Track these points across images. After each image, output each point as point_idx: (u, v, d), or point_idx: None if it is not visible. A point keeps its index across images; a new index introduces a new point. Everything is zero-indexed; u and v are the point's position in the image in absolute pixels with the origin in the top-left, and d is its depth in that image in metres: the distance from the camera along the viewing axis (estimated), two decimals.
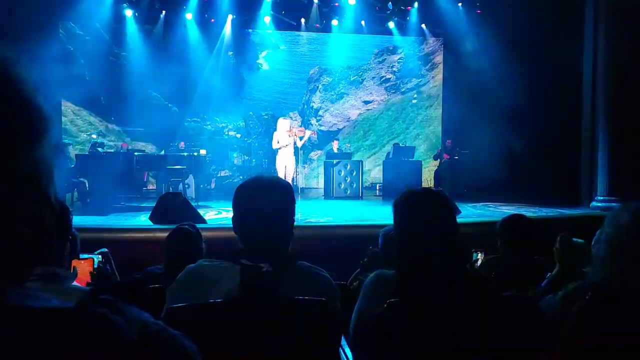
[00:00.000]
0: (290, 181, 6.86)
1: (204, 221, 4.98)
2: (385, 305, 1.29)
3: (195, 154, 8.72)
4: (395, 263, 1.46)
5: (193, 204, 6.00)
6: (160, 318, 0.56)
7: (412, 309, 1.33)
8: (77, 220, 5.84)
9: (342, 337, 1.59)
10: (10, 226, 0.45)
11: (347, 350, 1.71)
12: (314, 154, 11.38)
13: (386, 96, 11.82)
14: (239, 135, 11.08)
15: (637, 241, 1.38)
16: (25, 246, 0.47)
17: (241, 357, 1.21)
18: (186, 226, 2.48)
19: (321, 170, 9.63)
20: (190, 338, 0.60)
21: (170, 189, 7.36)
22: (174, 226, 2.54)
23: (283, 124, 7.43)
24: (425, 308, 1.34)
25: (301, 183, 10.29)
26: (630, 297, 1.35)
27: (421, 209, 1.45)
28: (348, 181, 8.96)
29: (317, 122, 11.49)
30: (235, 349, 1.21)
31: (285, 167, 7.26)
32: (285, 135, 7.27)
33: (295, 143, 7.48)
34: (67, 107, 10.09)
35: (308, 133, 8.00)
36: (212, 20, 10.38)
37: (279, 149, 7.35)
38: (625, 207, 1.48)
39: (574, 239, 2.12)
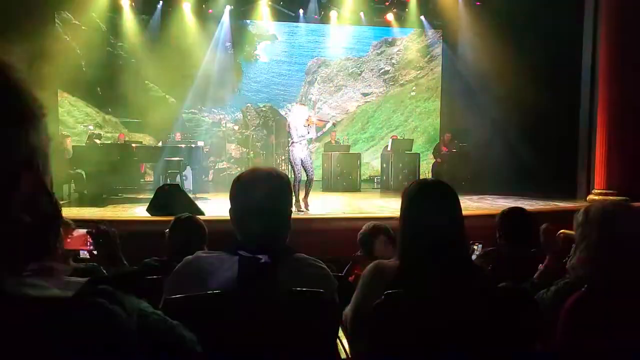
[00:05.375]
0: (313, 176, 6.16)
1: (202, 213, 4.98)
2: (383, 296, 1.29)
3: (193, 145, 8.70)
4: (399, 251, 1.46)
5: (190, 195, 6.00)
6: (157, 309, 0.56)
7: (410, 300, 1.33)
8: (74, 211, 5.85)
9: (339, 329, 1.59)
10: (8, 212, 0.45)
11: (344, 342, 1.72)
12: (312, 147, 11.34)
13: (385, 88, 11.78)
14: (236, 127, 11.05)
15: (623, 239, 1.40)
16: (23, 234, 0.46)
17: (239, 349, 1.22)
18: (188, 215, 2.48)
19: (319, 162, 9.62)
20: (188, 329, 0.60)
21: (168, 180, 7.34)
22: (171, 218, 2.52)
23: (301, 111, 6.09)
24: (424, 299, 1.34)
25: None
26: (620, 292, 1.36)
27: (432, 199, 1.46)
28: (346, 173, 8.94)
29: (315, 114, 11.46)
30: (233, 340, 1.21)
31: (302, 160, 6.08)
32: (302, 126, 5.99)
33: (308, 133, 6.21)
34: (64, 98, 10.03)
35: (329, 123, 6.61)
36: (210, 10, 10.30)
37: (295, 140, 6.00)
38: (609, 206, 1.50)
39: (568, 231, 2.12)
